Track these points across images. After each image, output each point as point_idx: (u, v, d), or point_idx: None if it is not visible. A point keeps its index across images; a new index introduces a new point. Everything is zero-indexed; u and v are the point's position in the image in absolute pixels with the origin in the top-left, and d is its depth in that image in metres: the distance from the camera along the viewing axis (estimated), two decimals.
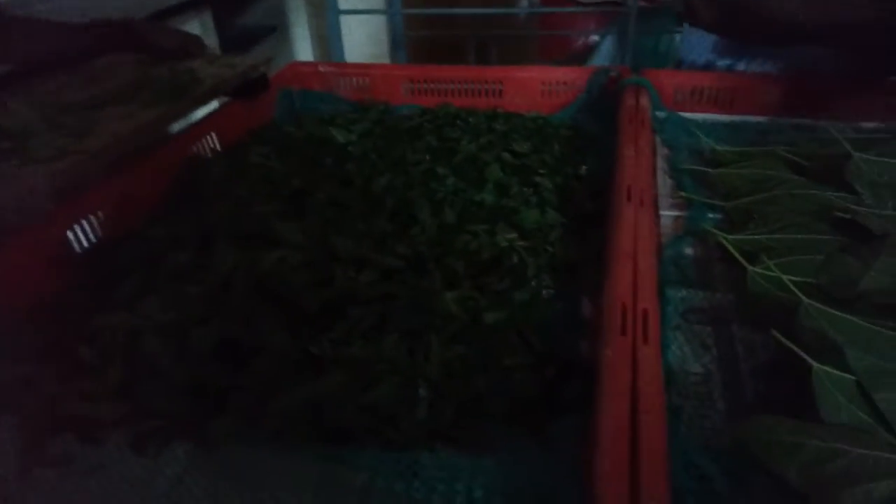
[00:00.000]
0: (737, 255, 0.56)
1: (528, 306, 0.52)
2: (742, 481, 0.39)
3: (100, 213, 0.64)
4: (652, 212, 0.61)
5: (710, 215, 0.67)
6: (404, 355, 0.47)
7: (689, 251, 0.63)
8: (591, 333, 0.52)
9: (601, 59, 1.73)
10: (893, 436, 0.39)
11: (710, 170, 0.73)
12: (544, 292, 0.56)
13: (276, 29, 2.09)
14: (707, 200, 0.68)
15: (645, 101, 0.83)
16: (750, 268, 0.54)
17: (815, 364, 0.42)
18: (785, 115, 0.89)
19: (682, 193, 0.72)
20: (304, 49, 2.25)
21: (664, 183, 0.75)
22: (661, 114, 0.89)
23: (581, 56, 1.87)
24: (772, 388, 0.46)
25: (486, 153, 0.76)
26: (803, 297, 0.48)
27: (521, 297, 0.53)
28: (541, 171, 0.73)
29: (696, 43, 1.10)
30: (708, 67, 1.08)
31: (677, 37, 1.56)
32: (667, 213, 0.69)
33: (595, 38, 1.85)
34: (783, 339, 0.44)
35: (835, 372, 0.41)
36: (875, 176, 0.64)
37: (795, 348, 0.43)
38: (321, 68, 1.06)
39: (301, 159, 0.78)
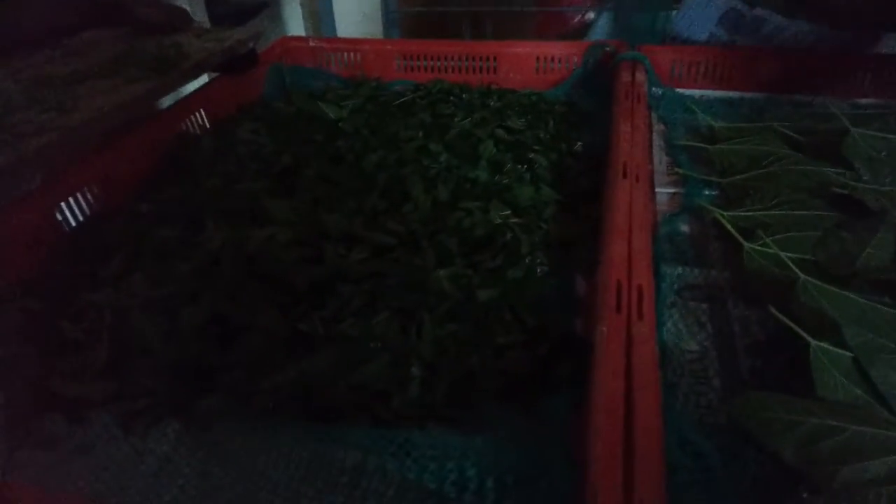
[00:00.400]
0: (733, 231, 0.56)
1: (521, 284, 0.51)
2: (737, 458, 0.39)
3: (86, 191, 0.63)
4: (648, 188, 0.60)
5: (707, 192, 0.66)
6: (396, 333, 0.46)
7: (684, 228, 0.62)
8: (585, 310, 0.51)
9: (597, 35, 1.70)
10: (889, 412, 0.39)
11: (706, 146, 0.72)
12: (538, 269, 0.55)
13: (268, 4, 2.05)
14: (703, 177, 0.67)
15: (641, 76, 0.82)
16: (746, 244, 0.53)
17: (812, 341, 0.41)
18: (783, 91, 0.88)
19: (679, 170, 0.71)
20: (296, 25, 2.21)
21: (660, 159, 0.74)
22: (657, 90, 0.87)
23: (578, 32, 1.84)
24: (767, 365, 0.45)
25: (479, 130, 0.75)
26: (800, 274, 0.48)
27: (515, 275, 0.52)
28: (535, 147, 0.72)
29: (696, 18, 1.08)
30: (710, 43, 1.06)
31: (674, 12, 1.53)
32: (663, 190, 0.68)
33: (591, 14, 1.83)
34: (780, 316, 0.44)
35: (832, 348, 0.41)
36: (872, 151, 0.63)
37: (793, 325, 0.42)
38: (312, 43, 1.03)
39: (291, 136, 0.76)
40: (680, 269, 0.56)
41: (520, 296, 0.50)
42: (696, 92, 0.90)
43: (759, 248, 0.53)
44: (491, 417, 0.42)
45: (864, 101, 0.85)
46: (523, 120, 0.78)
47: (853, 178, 0.61)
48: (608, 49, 0.90)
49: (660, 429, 0.36)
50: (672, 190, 0.68)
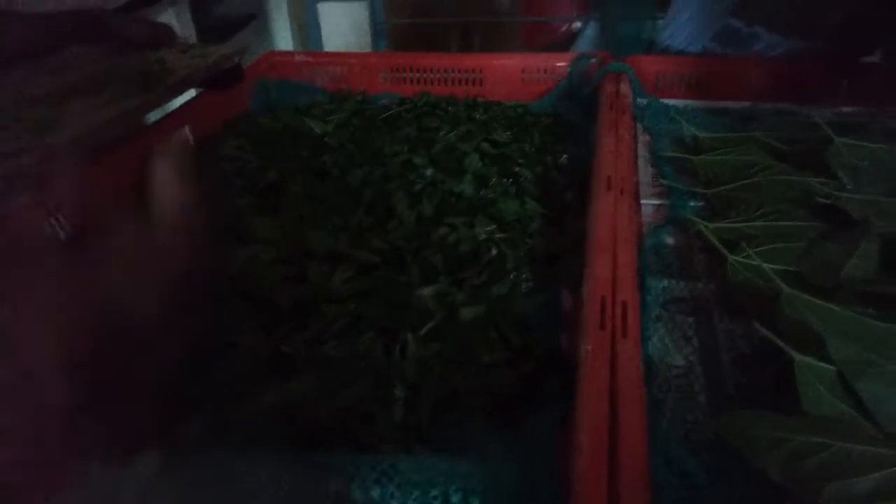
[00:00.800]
0: (717, 243, 0.55)
1: (506, 300, 0.51)
2: (724, 476, 0.39)
3: (68, 209, 0.62)
4: (633, 201, 0.60)
5: (692, 203, 0.66)
6: (380, 354, 0.46)
7: (670, 240, 0.62)
8: (570, 326, 0.51)
9: (584, 44, 1.72)
10: (875, 426, 0.39)
11: (691, 157, 0.72)
12: (523, 285, 0.55)
13: (256, 17, 2.05)
14: (688, 188, 0.68)
15: (626, 87, 0.82)
16: (730, 256, 0.53)
17: (796, 355, 0.41)
18: (767, 100, 0.88)
19: (664, 181, 0.71)
20: (284, 38, 2.21)
21: (645, 171, 0.74)
22: (642, 101, 0.88)
23: (565, 42, 1.85)
24: (753, 380, 0.45)
25: (465, 143, 0.75)
26: (784, 286, 0.48)
27: (500, 291, 0.52)
28: (520, 160, 0.72)
29: (689, 31, 1.09)
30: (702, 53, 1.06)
31: (660, 22, 1.54)
32: (648, 202, 0.68)
33: (579, 24, 1.84)
34: (764, 331, 0.43)
35: (816, 363, 0.41)
36: (855, 160, 0.63)
37: (776, 339, 0.42)
38: (297, 57, 1.03)
39: (276, 151, 0.76)
40: (665, 282, 0.56)
41: (505, 313, 0.50)
42: (682, 102, 0.90)
43: (743, 260, 0.53)
44: (476, 438, 0.41)
45: (848, 109, 0.86)
46: (509, 133, 0.78)
47: (837, 187, 0.62)
48: (593, 60, 0.90)
49: (645, 448, 0.36)
50: (657, 202, 0.68)
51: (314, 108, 0.88)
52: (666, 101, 0.89)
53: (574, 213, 0.65)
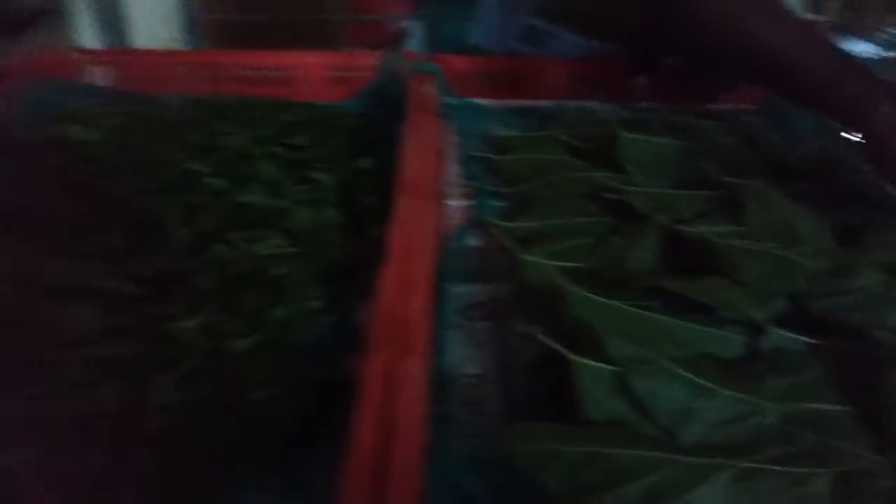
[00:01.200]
0: (511, 243, 0.54)
1: (287, 325, 0.46)
2: (511, 494, 0.37)
3: None
4: (436, 204, 0.57)
5: (495, 203, 0.65)
6: (121, 412, 0.38)
7: (474, 242, 0.60)
8: (361, 347, 0.46)
9: (414, 45, 1.70)
10: (654, 425, 0.38)
11: (496, 156, 0.71)
12: (312, 304, 0.50)
13: (52, 10, 1.79)
14: (491, 188, 0.66)
15: (432, 88, 0.79)
16: (523, 256, 0.52)
17: (574, 357, 0.40)
18: (571, 98, 0.91)
19: (469, 183, 0.69)
20: (88, 33, 1.96)
21: (454, 173, 0.72)
22: (451, 100, 0.86)
23: (395, 41, 1.82)
24: (543, 386, 0.44)
25: (257, 147, 0.67)
26: (569, 286, 0.47)
27: (281, 315, 0.46)
28: (318, 165, 0.66)
29: (496, 31, 1.10)
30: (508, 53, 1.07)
31: None
32: (455, 204, 0.66)
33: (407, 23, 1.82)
34: (540, 335, 0.42)
35: (595, 364, 0.40)
36: (641, 155, 0.66)
37: (552, 343, 0.41)
38: (72, 56, 0.89)
39: (29, 166, 0.64)
40: (465, 287, 0.54)
41: (284, 340, 0.44)
42: (493, 101, 0.90)
43: (536, 259, 0.52)
44: (242, 495, 0.35)
45: (644, 105, 0.90)
46: (307, 136, 0.72)
47: (626, 181, 0.63)
48: (404, 60, 0.87)
49: (417, 480, 0.32)
50: (463, 203, 0.66)
51: (82, 113, 0.76)
52: (475, 100, 0.89)
53: (378, 219, 0.61)
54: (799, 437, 0.39)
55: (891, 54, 1.12)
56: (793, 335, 0.45)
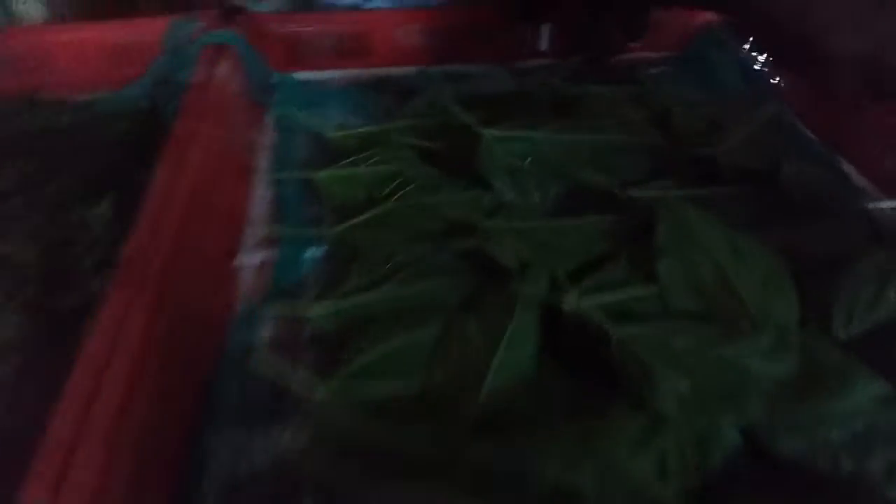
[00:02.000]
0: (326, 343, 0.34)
1: None
2: None
3: None
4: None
5: (311, 254, 0.44)
6: None
7: (267, 334, 0.38)
8: None
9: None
10: None
11: (312, 175, 0.50)
12: None
13: None
14: (307, 226, 0.46)
15: (228, 68, 0.56)
16: (319, 388, 0.33)
17: None
18: (435, 62, 0.69)
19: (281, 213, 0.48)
20: None
21: (261, 200, 0.51)
22: (272, 79, 0.63)
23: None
24: None
25: None
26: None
27: None
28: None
29: None
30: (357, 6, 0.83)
31: None
32: (249, 261, 0.44)
33: None
34: None
35: None
36: (511, 159, 0.46)
37: None
38: None
39: None
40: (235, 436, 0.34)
41: None
42: (334, 74, 0.68)
43: (339, 387, 0.32)
44: None
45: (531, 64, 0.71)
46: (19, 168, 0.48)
47: (492, 204, 0.44)
48: (197, 26, 0.63)
49: None
50: (263, 254, 0.45)
51: None
52: (310, 74, 0.66)
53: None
54: None
55: None
56: None
